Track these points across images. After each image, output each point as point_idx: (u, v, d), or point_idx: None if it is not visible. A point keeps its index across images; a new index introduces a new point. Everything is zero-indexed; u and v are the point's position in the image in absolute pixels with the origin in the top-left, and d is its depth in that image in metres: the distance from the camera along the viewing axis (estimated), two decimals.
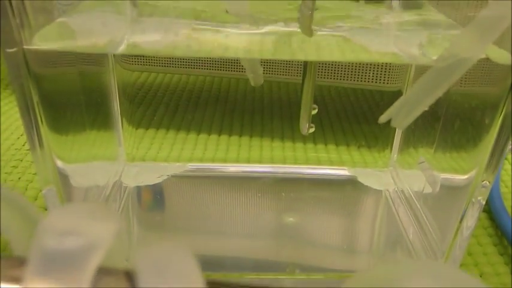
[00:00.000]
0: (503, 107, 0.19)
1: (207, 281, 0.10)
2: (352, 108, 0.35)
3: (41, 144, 0.20)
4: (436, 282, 0.10)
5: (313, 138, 0.35)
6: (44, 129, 0.20)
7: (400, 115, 0.20)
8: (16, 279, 0.10)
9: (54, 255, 0.10)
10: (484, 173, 0.21)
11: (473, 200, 0.21)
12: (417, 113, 0.20)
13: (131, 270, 0.10)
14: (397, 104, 0.20)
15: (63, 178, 0.21)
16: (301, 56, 0.24)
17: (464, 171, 0.22)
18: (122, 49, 0.20)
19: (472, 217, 0.22)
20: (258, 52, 0.21)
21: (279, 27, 0.21)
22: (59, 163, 0.21)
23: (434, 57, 0.19)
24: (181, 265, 0.10)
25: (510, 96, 0.19)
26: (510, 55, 0.18)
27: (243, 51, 0.21)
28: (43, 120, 0.19)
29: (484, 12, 0.17)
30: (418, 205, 0.28)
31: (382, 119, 0.20)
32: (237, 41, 0.20)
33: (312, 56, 0.22)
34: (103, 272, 0.10)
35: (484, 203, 0.21)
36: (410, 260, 0.25)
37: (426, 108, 0.19)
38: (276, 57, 0.30)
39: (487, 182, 0.21)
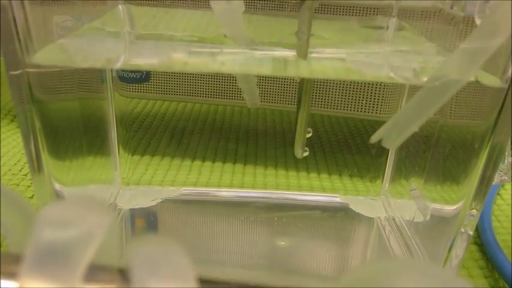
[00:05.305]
0: (490, 137, 0.20)
1: (200, 278, 0.11)
2: (345, 138, 0.36)
3: (40, 168, 0.20)
4: (424, 279, 0.10)
5: (306, 166, 0.35)
6: (45, 154, 0.20)
7: (391, 135, 0.20)
8: (12, 275, 0.10)
9: (49, 247, 0.10)
10: (473, 202, 0.21)
11: (462, 229, 0.22)
12: (408, 133, 0.20)
13: (125, 266, 0.11)
14: (388, 124, 0.20)
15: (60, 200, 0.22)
16: (296, 74, 0.24)
17: (453, 201, 0.22)
18: (119, 65, 0.21)
19: (461, 246, 0.22)
20: (255, 69, 0.21)
21: (276, 50, 0.21)
22: (57, 186, 0.21)
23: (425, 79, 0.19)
24: (174, 261, 0.10)
25: (497, 126, 0.19)
26: (499, 79, 0.19)
27: (239, 66, 0.21)
28: (44, 145, 0.20)
29: (473, 36, 0.18)
30: (408, 233, 0.28)
31: (374, 138, 0.20)
32: (233, 58, 0.21)
33: (305, 73, 0.22)
34: (97, 268, 0.10)
35: (471, 233, 0.22)
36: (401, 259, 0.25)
37: (417, 129, 0.20)
38: (272, 74, 0.30)
39: (475, 211, 0.21)
